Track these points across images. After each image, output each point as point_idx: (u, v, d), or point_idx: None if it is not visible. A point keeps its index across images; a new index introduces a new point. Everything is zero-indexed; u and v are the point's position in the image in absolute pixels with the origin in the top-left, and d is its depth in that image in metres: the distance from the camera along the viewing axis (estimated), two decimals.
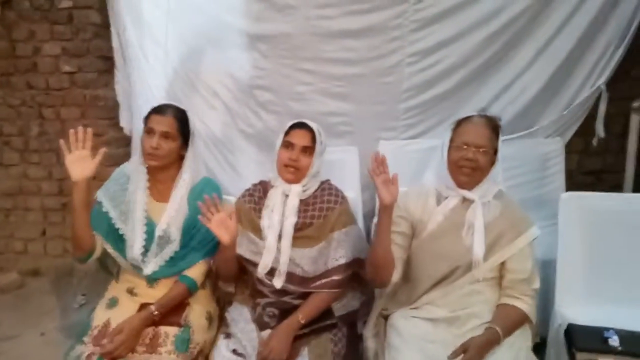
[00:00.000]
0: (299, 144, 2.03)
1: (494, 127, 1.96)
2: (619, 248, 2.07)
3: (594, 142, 2.82)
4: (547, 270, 2.10)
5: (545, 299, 2.09)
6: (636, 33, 2.68)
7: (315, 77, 2.70)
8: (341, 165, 2.64)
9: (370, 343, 2.03)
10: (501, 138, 1.96)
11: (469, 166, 1.90)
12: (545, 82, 2.71)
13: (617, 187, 2.89)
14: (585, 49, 2.69)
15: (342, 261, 1.99)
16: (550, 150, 2.75)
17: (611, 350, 1.79)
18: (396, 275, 1.92)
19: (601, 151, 2.93)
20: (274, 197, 2.04)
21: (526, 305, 1.85)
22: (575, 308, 2.02)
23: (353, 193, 2.39)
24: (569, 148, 2.82)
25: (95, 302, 2.09)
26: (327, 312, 2.00)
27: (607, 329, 1.82)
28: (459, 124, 1.99)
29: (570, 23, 2.63)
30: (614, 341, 1.76)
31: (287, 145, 2.05)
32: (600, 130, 2.79)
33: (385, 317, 2.00)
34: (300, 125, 2.08)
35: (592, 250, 2.08)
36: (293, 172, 2.03)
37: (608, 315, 1.92)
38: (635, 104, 2.31)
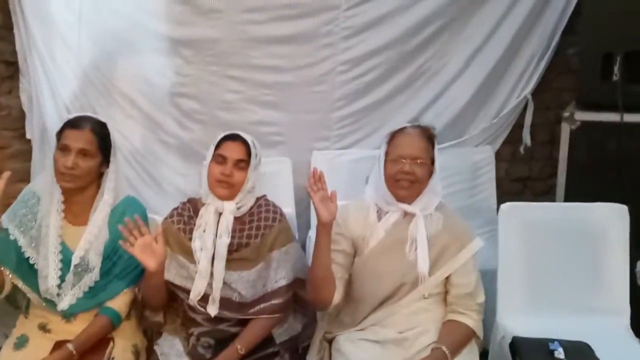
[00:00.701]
0: (232, 157, 1.89)
1: (429, 137, 1.93)
2: (558, 257, 2.08)
3: (521, 150, 2.90)
4: (483, 280, 2.07)
5: (485, 310, 2.07)
6: (558, 45, 2.78)
7: (244, 84, 2.56)
8: (274, 177, 2.51)
9: None
10: (437, 147, 1.93)
11: (406, 179, 1.84)
12: (474, 92, 2.74)
13: (543, 194, 2.98)
14: (512, 60, 2.76)
15: (283, 283, 1.86)
16: (480, 159, 2.79)
17: None
18: (337, 296, 1.82)
19: (527, 159, 3.01)
20: (206, 216, 1.89)
21: (472, 320, 1.82)
22: (517, 320, 2.00)
23: (288, 207, 2.28)
24: (497, 156, 2.86)
25: (3, 340, 1.84)
26: (267, 339, 1.87)
27: (552, 341, 1.80)
28: (393, 136, 1.93)
29: (497, 33, 2.68)
30: (560, 353, 1.75)
31: (218, 159, 1.90)
32: (527, 138, 2.88)
33: (330, 341, 1.90)
34: (233, 137, 1.93)
35: (532, 261, 2.07)
36: (226, 187, 1.88)
37: (549, 326, 1.92)
38: (566, 114, 2.36)
